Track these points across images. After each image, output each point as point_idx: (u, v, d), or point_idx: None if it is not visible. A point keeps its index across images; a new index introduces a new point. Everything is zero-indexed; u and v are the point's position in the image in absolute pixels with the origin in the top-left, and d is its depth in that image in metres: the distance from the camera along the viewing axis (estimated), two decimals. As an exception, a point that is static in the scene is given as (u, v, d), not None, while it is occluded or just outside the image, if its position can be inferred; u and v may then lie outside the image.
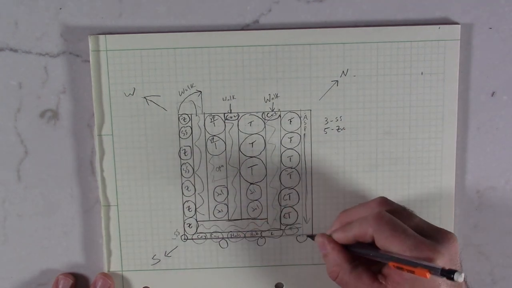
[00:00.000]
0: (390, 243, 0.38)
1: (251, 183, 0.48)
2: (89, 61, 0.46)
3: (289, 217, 0.49)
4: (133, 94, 0.47)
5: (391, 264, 0.38)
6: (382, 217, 0.39)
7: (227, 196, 0.48)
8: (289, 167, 0.48)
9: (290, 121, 0.47)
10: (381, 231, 0.39)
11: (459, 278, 0.35)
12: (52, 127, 0.47)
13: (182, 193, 0.48)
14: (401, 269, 0.37)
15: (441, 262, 0.37)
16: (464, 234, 0.49)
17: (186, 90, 0.47)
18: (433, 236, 0.39)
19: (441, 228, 0.40)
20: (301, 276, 0.49)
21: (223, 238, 0.49)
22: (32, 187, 0.48)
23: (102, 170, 0.47)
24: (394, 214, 0.40)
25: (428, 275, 0.36)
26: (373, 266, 0.41)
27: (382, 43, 0.46)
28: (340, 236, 0.42)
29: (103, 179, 0.48)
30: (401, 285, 0.38)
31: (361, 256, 0.41)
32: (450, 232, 0.40)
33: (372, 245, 0.40)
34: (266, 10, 0.47)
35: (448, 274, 0.35)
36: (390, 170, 0.48)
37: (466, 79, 0.48)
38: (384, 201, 0.42)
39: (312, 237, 0.46)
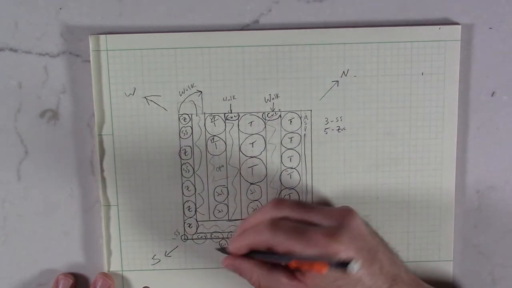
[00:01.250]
0: (288, 247, 0.39)
1: (252, 183, 0.48)
2: (89, 61, 0.46)
3: (289, 217, 0.49)
4: (133, 94, 0.47)
5: (291, 265, 0.38)
6: (274, 224, 0.40)
7: (227, 196, 0.48)
8: (290, 167, 0.48)
9: (291, 121, 0.47)
10: (276, 238, 0.40)
11: (353, 269, 0.34)
12: (52, 127, 0.47)
13: (182, 193, 0.48)
14: (299, 270, 0.38)
15: (344, 246, 0.38)
16: (464, 234, 0.49)
17: (187, 90, 0.47)
18: (331, 219, 0.40)
19: (336, 208, 0.42)
20: (301, 276, 0.49)
21: (223, 238, 0.49)
22: (32, 187, 0.48)
23: (102, 170, 0.47)
24: (290, 212, 0.41)
25: (325, 270, 0.35)
26: None
27: (382, 43, 0.46)
28: (234, 249, 0.43)
29: (103, 179, 0.47)
30: (318, 278, 0.39)
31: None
32: (345, 209, 0.41)
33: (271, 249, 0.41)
34: (266, 10, 0.46)
35: (343, 266, 0.34)
36: (390, 170, 0.48)
37: (466, 79, 0.48)
38: (276, 203, 0.43)
39: (222, 250, 0.47)
